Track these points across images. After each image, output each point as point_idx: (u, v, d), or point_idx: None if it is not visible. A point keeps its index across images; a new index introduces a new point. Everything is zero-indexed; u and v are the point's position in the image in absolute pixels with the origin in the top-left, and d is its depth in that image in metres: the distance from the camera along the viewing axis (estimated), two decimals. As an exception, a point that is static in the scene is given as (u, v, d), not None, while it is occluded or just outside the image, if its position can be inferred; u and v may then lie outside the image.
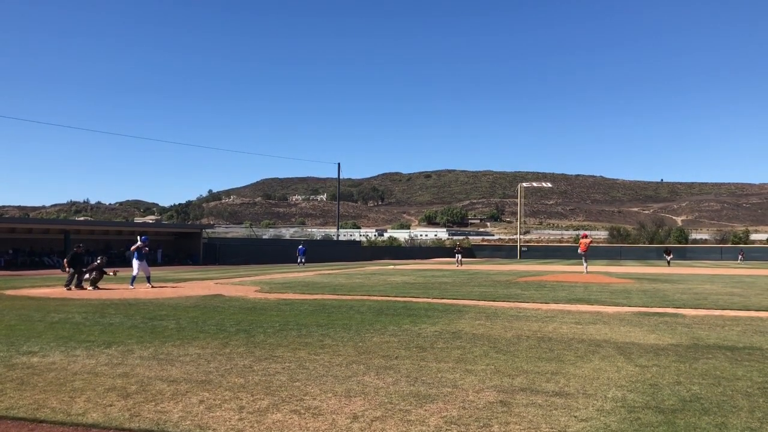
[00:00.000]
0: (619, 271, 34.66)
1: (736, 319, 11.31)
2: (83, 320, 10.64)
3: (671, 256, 53.57)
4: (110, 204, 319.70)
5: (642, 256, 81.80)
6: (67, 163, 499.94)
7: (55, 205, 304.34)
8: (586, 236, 31.86)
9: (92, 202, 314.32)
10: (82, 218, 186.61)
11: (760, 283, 23.40)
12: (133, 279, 19.01)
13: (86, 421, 4.66)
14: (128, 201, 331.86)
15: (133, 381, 5.96)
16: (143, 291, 17.39)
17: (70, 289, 17.58)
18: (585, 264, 29.72)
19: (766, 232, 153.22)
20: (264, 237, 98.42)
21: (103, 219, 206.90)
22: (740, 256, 70.94)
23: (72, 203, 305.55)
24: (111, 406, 5.08)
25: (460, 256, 47.89)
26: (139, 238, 19.54)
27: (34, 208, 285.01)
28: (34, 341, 8.29)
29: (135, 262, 19.20)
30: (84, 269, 18.68)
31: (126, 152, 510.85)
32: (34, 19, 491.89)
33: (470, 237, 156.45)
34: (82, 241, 36.84)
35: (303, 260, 42.90)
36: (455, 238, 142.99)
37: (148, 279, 19.20)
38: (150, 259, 26.15)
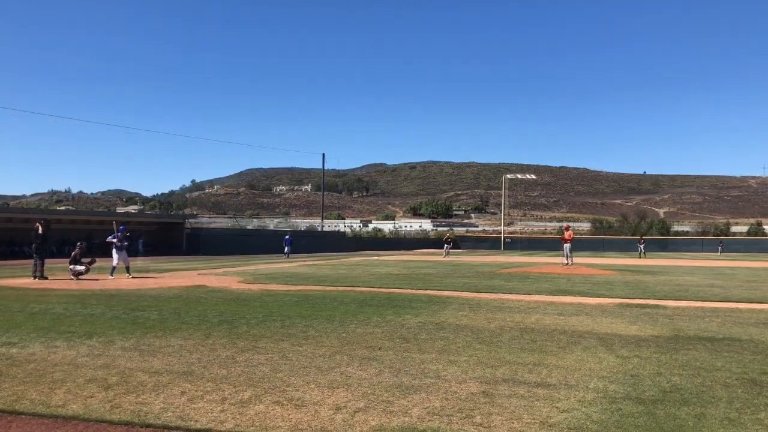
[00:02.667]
0: (601, 263, 34.95)
1: (716, 310, 11.44)
2: (64, 311, 10.52)
3: (644, 243, 54.66)
4: (92, 194, 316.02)
5: (625, 247, 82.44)
6: (48, 152, 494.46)
7: (35, 195, 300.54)
8: (568, 227, 31.98)
9: (74, 191, 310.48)
10: (63, 208, 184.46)
11: (739, 275, 23.70)
12: (113, 270, 18.86)
13: (66, 413, 4.61)
14: (110, 191, 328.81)
15: (114, 372, 5.90)
16: (125, 282, 17.25)
17: (46, 278, 17.36)
18: (570, 256, 29.10)
19: (746, 224, 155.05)
20: (248, 227, 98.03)
21: (84, 209, 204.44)
22: (720, 248, 71.81)
23: (53, 192, 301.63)
24: (91, 397, 5.03)
25: (447, 246, 48.05)
26: (117, 229, 19.32)
27: (14, 198, 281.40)
28: (13, 332, 8.19)
29: (114, 253, 19.06)
30: (73, 264, 18.31)
31: (108, 141, 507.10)
32: (12, 4, 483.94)
33: (455, 228, 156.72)
34: (66, 231, 36.32)
35: (288, 251, 42.74)
36: (440, 229, 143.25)
37: (128, 269, 19.02)
38: (132, 249, 25.94)
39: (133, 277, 18.46)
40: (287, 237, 44.04)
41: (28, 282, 16.93)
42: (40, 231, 18.47)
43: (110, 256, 19.60)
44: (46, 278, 17.72)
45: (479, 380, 5.70)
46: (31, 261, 18.77)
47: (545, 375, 5.94)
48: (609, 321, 9.79)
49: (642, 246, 55.00)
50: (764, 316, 10.67)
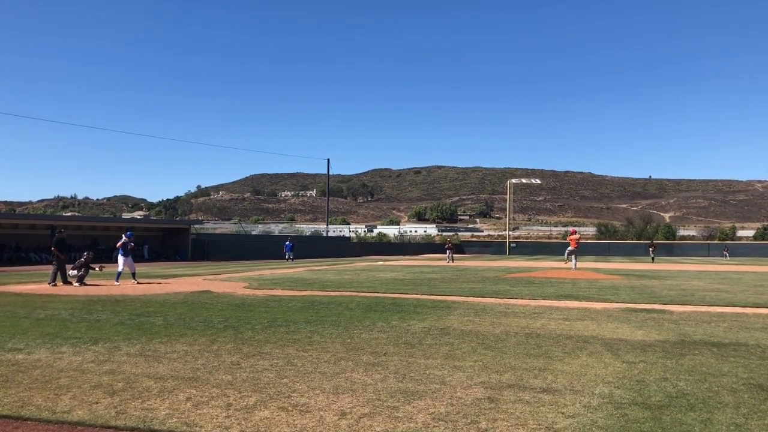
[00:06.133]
0: (607, 268, 34.84)
1: (722, 315, 11.39)
2: (69, 317, 10.56)
3: (654, 249, 54.78)
4: (98, 199, 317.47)
5: (630, 252, 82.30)
6: (55, 158, 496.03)
7: (42, 201, 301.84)
8: (575, 232, 32.15)
9: (80, 197, 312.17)
10: (69, 214, 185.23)
11: (746, 279, 23.59)
12: (119, 275, 18.91)
13: (72, 419, 4.62)
14: (116, 196, 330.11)
15: (119, 378, 5.91)
16: (131, 287, 17.29)
17: (55, 285, 17.43)
18: (574, 261, 29.52)
19: (752, 228, 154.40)
20: (253, 233, 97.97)
21: (90, 214, 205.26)
22: (725, 252, 71.23)
23: (59, 198, 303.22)
24: (97, 403, 5.04)
25: (450, 252, 48.06)
26: (123, 234, 19.45)
27: (20, 204, 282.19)
28: (19, 338, 8.22)
29: (120, 258, 19.12)
30: (71, 266, 18.49)
31: (114, 147, 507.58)
32: (17, 11, 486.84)
33: (459, 233, 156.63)
34: (70, 237, 36.51)
35: (291, 256, 42.84)
36: (444, 234, 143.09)
37: (134, 275, 19.13)
38: (137, 254, 26.03)
39: (138, 283, 18.52)
40: (288, 243, 44.14)
41: (36, 288, 16.99)
42: (59, 236, 18.85)
43: (116, 261, 19.68)
44: (69, 284, 17.87)
45: (484, 386, 5.68)
46: (36, 267, 18.87)
47: (551, 380, 5.92)
48: (614, 326, 9.76)
49: (652, 252, 55.08)
50: (771, 320, 10.61)
